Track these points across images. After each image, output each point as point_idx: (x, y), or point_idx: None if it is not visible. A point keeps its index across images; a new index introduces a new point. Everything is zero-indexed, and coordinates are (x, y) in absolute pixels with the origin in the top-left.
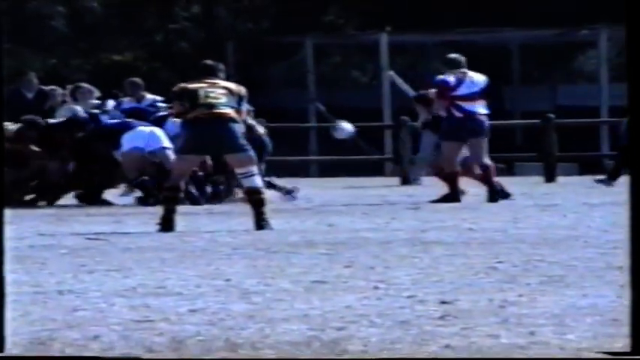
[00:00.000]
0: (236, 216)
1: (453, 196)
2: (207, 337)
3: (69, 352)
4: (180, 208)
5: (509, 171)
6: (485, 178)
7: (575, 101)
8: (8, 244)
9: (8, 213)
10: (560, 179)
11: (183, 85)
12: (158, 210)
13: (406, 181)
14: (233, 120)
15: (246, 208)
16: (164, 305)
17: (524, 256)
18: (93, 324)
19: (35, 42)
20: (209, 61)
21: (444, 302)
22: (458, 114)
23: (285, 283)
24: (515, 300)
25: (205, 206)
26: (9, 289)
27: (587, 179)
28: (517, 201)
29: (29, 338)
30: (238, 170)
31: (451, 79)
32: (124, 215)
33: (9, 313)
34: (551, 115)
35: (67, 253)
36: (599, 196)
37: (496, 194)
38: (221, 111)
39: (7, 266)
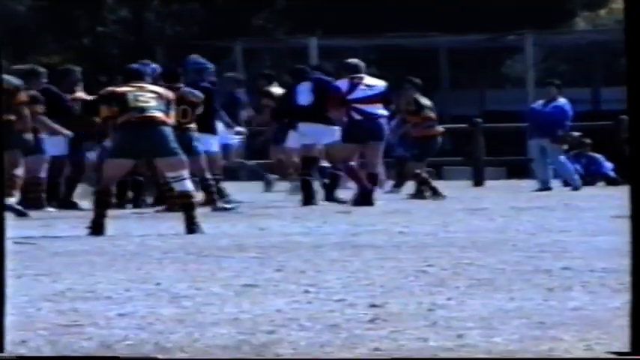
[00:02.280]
0: (166, 220)
1: (362, 188)
2: (136, 341)
3: None
4: (113, 212)
5: (437, 175)
6: (369, 180)
7: (502, 106)
8: None
9: None
10: (488, 183)
11: (111, 88)
12: (87, 213)
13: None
14: (164, 123)
15: (177, 213)
16: (93, 309)
17: (453, 260)
18: (20, 329)
19: None
20: (135, 65)
21: (373, 306)
22: (357, 116)
23: (215, 287)
24: (444, 303)
25: (135, 210)
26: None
27: (515, 183)
28: (446, 205)
29: None
30: (169, 174)
31: (343, 84)
32: (53, 219)
33: (8, 310)
34: (479, 120)
35: None
36: (527, 200)
37: (363, 200)
38: (152, 114)
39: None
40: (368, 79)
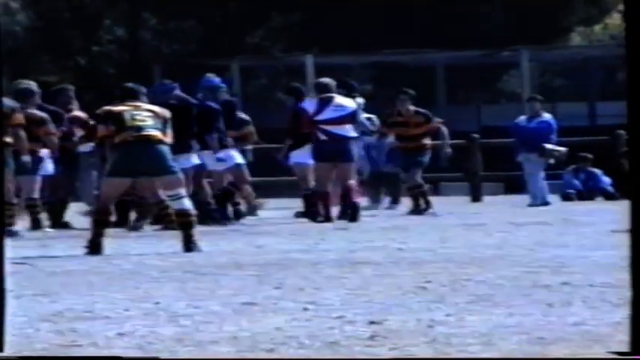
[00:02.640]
0: (164, 239)
1: (326, 216)
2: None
3: None
4: (110, 231)
5: (435, 191)
6: (345, 196)
7: (498, 121)
8: None
9: None
10: (486, 199)
11: (107, 107)
12: (84, 233)
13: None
14: (161, 142)
15: (175, 232)
16: (92, 329)
17: (452, 276)
18: (19, 349)
19: None
20: (131, 84)
21: (372, 322)
22: (322, 137)
23: (214, 305)
24: (443, 319)
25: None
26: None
27: (513, 198)
28: (444, 221)
29: None
30: (167, 192)
31: (311, 104)
32: (50, 239)
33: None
34: (476, 136)
35: None
36: (525, 215)
37: (347, 214)
38: (149, 133)
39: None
40: (338, 99)
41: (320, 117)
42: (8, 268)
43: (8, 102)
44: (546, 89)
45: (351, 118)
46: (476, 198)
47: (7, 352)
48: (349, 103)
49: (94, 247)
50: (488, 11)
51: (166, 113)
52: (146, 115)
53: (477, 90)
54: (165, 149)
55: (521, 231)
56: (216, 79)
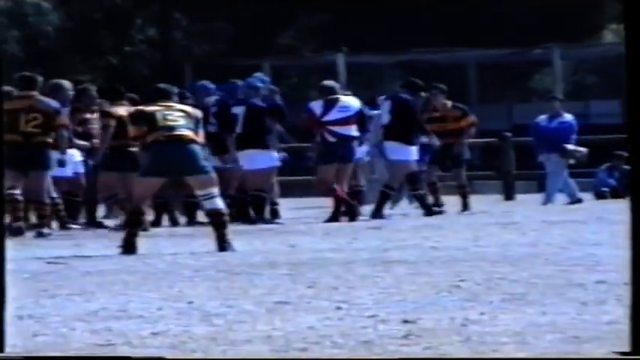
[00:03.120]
0: (198, 238)
1: (335, 215)
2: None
3: None
4: (141, 231)
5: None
6: (335, 203)
7: (531, 119)
8: None
9: None
10: (519, 197)
11: (140, 108)
12: (118, 233)
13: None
14: (193, 142)
15: (208, 230)
16: (126, 329)
17: (485, 274)
18: (54, 349)
19: None
20: (163, 85)
21: (406, 321)
22: (331, 138)
23: (247, 305)
24: (477, 318)
25: (167, 228)
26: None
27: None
28: (477, 219)
29: None
30: (199, 192)
31: (318, 106)
32: (84, 239)
33: (42, 337)
34: (508, 134)
35: (28, 278)
36: (558, 213)
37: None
38: (181, 133)
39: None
40: (343, 100)
41: (327, 118)
42: (43, 267)
43: (51, 102)
44: (579, 87)
45: (356, 117)
46: (509, 196)
47: (7, 352)
48: (354, 103)
49: (128, 247)
50: (520, 9)
51: (198, 113)
52: (178, 115)
53: (509, 88)
54: (197, 148)
55: (555, 229)
56: (265, 79)
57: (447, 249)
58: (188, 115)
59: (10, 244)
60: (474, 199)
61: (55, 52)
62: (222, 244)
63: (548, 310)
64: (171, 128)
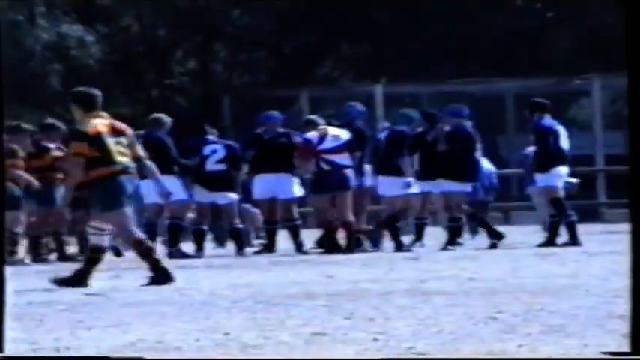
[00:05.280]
0: (235, 268)
1: (331, 245)
2: None
3: None
4: (178, 262)
5: (506, 220)
6: (347, 234)
7: (570, 150)
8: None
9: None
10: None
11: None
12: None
13: (403, 231)
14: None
15: (247, 261)
16: None
17: (524, 305)
18: None
19: (33, 99)
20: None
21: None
22: (326, 167)
23: (284, 336)
24: (515, 350)
25: (204, 259)
26: (6, 346)
27: (586, 228)
28: (516, 250)
29: None
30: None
31: (314, 137)
32: (123, 270)
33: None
34: None
35: (64, 309)
36: (598, 244)
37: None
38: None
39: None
40: (332, 131)
41: (322, 147)
42: (81, 299)
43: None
44: (618, 118)
45: (347, 147)
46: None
47: (7, 352)
48: (343, 134)
49: (160, 273)
50: (560, 38)
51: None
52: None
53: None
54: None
55: (595, 260)
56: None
57: (485, 280)
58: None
59: (46, 276)
60: (513, 230)
61: (96, 86)
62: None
63: (589, 342)
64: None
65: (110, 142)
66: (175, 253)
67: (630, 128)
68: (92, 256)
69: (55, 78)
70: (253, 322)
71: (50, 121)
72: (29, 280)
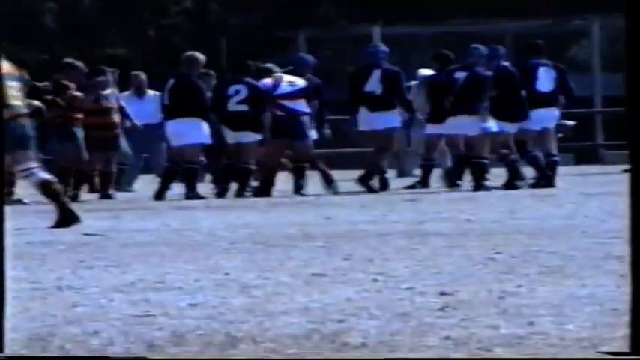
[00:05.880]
0: (233, 210)
1: (264, 188)
2: (208, 330)
3: (69, 347)
4: (178, 204)
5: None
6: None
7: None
8: (7, 240)
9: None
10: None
11: None
12: (155, 205)
13: (402, 173)
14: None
15: (245, 202)
16: (164, 300)
17: (522, 247)
18: (92, 319)
19: (28, 39)
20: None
21: (443, 294)
22: (280, 112)
23: (284, 277)
24: (514, 291)
25: (203, 201)
26: (8, 285)
27: (583, 169)
28: (513, 192)
29: (29, 334)
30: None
31: (267, 83)
32: (122, 210)
33: (9, 310)
34: None
35: (65, 249)
36: (596, 186)
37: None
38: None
39: (7, 264)
40: (287, 77)
41: (277, 92)
42: (80, 239)
43: None
44: (617, 59)
45: (303, 93)
46: None
47: (7, 352)
48: (299, 81)
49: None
50: None
51: None
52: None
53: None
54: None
55: (592, 201)
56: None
57: (483, 222)
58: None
59: (46, 216)
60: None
61: (91, 25)
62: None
63: (587, 282)
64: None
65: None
66: (192, 196)
67: (628, 69)
68: (49, 192)
69: (49, 17)
70: (253, 263)
71: (68, 60)
72: (27, 219)
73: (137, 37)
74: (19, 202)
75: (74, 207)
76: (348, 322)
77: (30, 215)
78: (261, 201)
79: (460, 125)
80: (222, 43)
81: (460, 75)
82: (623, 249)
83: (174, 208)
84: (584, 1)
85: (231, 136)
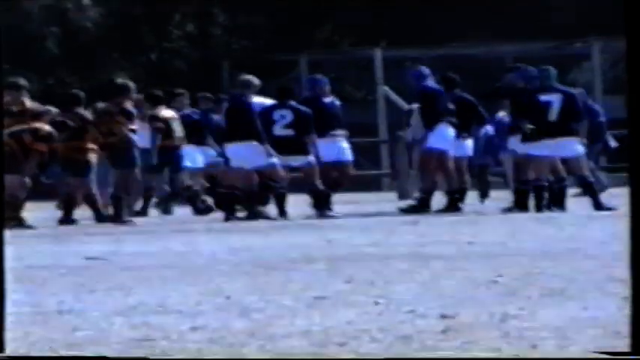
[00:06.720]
0: (235, 233)
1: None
2: (209, 354)
3: None
4: (178, 226)
5: (506, 184)
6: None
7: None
8: (7, 264)
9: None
10: None
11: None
12: (156, 228)
13: (403, 195)
14: None
15: (246, 225)
16: (165, 323)
17: (524, 269)
18: (93, 343)
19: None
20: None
21: (444, 316)
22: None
23: (285, 300)
24: (516, 313)
25: (204, 224)
26: (9, 309)
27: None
28: (515, 214)
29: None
30: None
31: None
32: (123, 234)
33: (9, 334)
34: None
35: (66, 273)
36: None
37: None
38: None
39: (8, 285)
40: (256, 99)
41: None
42: (81, 263)
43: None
44: (618, 82)
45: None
46: None
47: (8, 351)
48: (267, 101)
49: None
50: (559, 1)
51: None
52: None
53: None
54: None
55: (594, 224)
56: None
57: (484, 244)
58: None
59: (49, 240)
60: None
61: (94, 49)
62: None
63: (589, 305)
64: None
65: None
66: (256, 216)
67: (629, 92)
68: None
69: (53, 41)
70: (254, 286)
71: (120, 80)
72: (28, 243)
73: (139, 61)
74: (23, 225)
75: (79, 231)
76: (350, 346)
77: (30, 239)
78: (262, 224)
79: (563, 146)
80: (224, 67)
81: (547, 98)
82: (626, 271)
83: (176, 231)
84: (585, 24)
85: (281, 161)
